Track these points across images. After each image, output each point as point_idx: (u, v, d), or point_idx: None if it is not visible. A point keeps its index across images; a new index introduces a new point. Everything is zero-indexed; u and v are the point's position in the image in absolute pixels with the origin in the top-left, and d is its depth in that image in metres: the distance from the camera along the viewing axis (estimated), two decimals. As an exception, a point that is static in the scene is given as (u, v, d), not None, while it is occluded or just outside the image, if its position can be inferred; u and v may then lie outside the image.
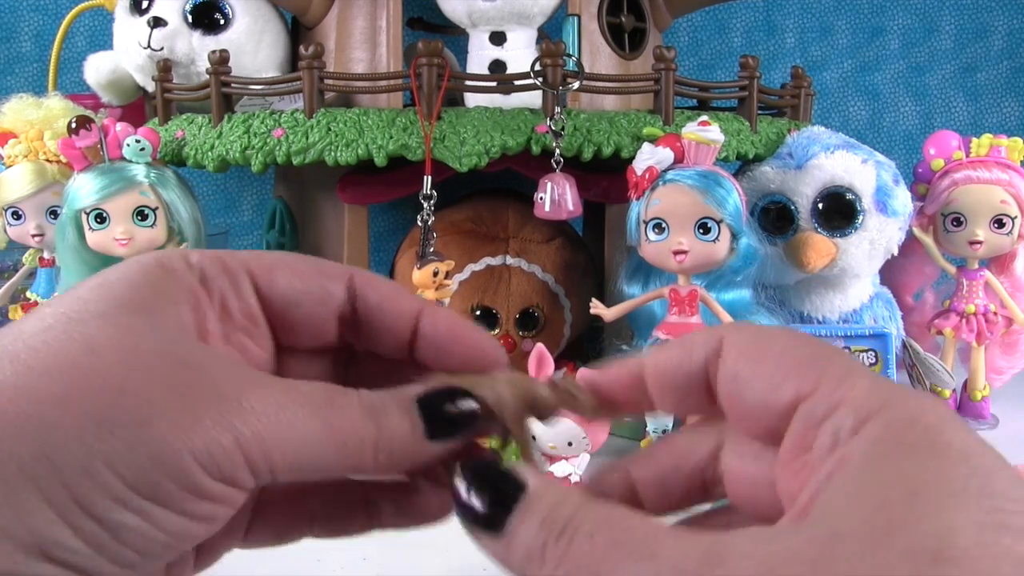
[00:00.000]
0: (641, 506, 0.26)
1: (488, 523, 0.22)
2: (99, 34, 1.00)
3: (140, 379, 0.20)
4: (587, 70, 0.67)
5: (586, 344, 0.77)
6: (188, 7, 0.76)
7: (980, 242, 0.74)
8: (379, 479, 0.27)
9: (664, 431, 0.58)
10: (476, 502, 0.22)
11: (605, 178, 0.70)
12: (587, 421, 0.27)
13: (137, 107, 0.86)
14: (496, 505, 0.21)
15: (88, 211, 0.65)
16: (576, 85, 0.65)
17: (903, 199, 0.72)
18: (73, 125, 0.64)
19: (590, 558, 0.19)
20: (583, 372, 0.26)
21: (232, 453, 0.20)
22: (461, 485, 0.22)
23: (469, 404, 0.24)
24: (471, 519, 0.22)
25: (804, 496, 0.20)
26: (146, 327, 0.22)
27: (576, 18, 0.73)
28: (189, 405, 0.20)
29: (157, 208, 0.66)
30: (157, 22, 0.75)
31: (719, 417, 0.24)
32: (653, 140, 0.63)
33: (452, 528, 0.58)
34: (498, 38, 0.73)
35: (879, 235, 0.71)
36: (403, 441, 0.23)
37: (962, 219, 0.75)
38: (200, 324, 0.24)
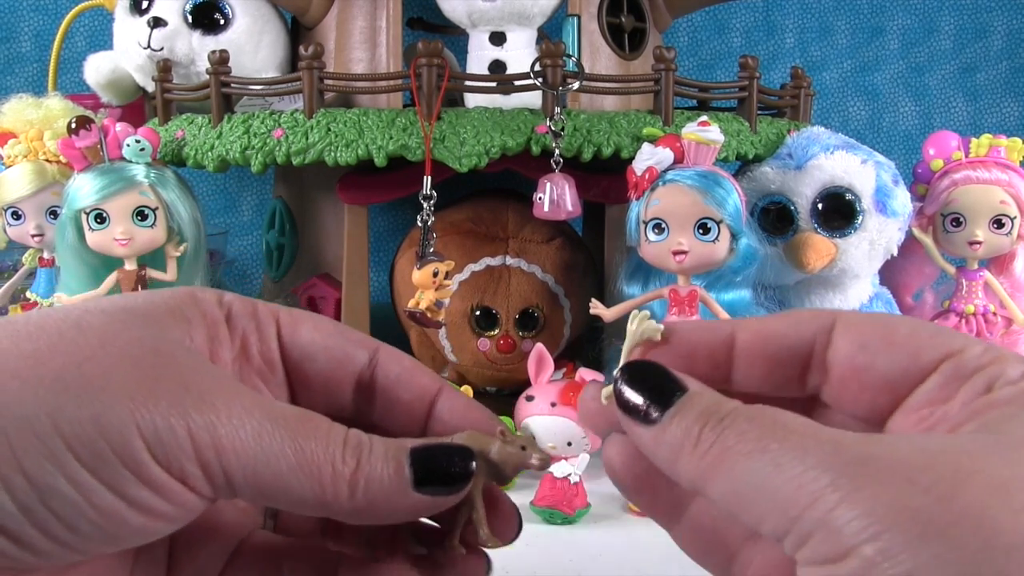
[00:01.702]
0: (729, 380, 0.25)
1: (645, 415, 0.22)
2: (99, 34, 1.00)
3: (111, 354, 0.20)
4: (587, 70, 0.67)
5: (586, 344, 0.77)
6: (188, 7, 0.76)
7: (979, 242, 0.74)
8: (351, 528, 0.26)
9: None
10: (635, 395, 0.22)
11: (605, 178, 0.70)
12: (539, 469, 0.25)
13: (137, 107, 0.86)
14: (656, 397, 0.22)
15: (88, 211, 0.65)
16: (576, 85, 0.65)
17: (903, 199, 0.73)
18: (73, 125, 0.64)
19: (744, 439, 0.20)
20: (664, 322, 0.25)
21: (181, 440, 0.20)
22: (623, 378, 0.23)
23: (467, 463, 0.23)
24: (628, 409, 0.22)
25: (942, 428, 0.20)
26: (143, 326, 0.22)
27: (576, 18, 0.73)
28: (150, 385, 0.20)
29: (157, 208, 0.66)
30: (157, 22, 0.75)
31: (803, 399, 0.24)
32: (653, 140, 0.63)
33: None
34: (498, 38, 0.73)
35: (879, 235, 0.71)
36: (385, 484, 0.22)
37: (961, 219, 0.75)
38: (212, 351, 0.24)
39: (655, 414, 0.22)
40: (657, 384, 0.22)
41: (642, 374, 0.23)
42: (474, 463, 0.24)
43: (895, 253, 0.74)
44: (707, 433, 0.20)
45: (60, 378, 0.20)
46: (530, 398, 0.61)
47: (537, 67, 0.65)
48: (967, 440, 0.19)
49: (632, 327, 0.25)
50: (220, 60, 0.69)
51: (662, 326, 0.25)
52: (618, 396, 0.23)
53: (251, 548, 0.26)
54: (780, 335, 0.24)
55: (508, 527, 0.26)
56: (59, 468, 0.19)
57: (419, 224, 0.63)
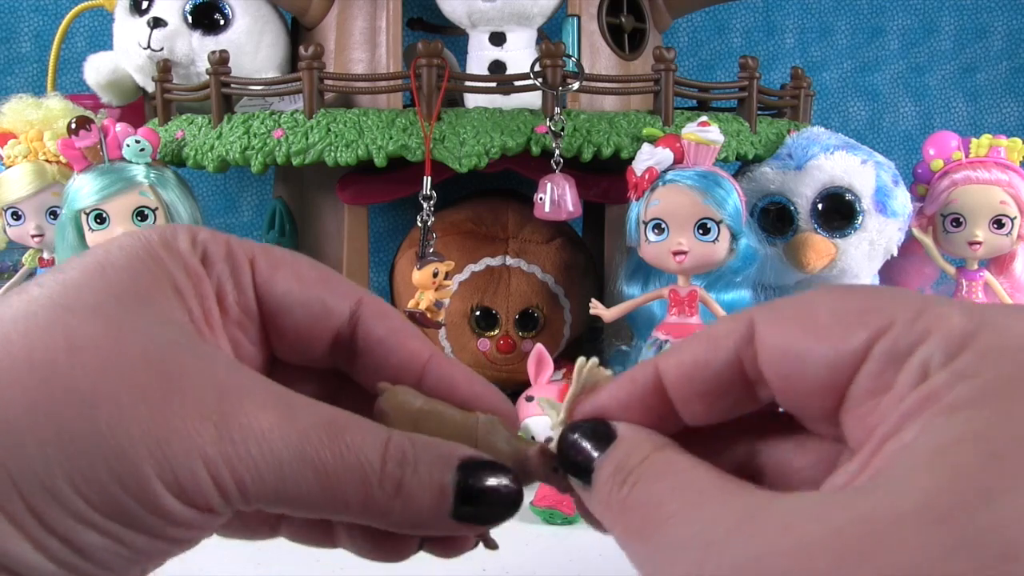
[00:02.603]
0: (678, 416, 0.23)
1: (582, 479, 0.22)
2: (99, 34, 1.00)
3: (114, 387, 0.19)
4: (587, 71, 0.67)
5: (586, 344, 0.77)
6: (188, 7, 0.76)
7: (979, 243, 0.74)
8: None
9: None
10: (574, 455, 0.22)
11: (605, 179, 0.70)
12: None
13: (137, 107, 0.86)
14: (584, 460, 0.21)
15: (88, 211, 0.65)
16: (576, 86, 0.65)
17: (903, 200, 0.73)
18: (73, 125, 0.64)
19: (641, 513, 0.19)
20: (585, 406, 0.23)
21: (199, 476, 0.19)
22: (563, 442, 0.22)
23: (509, 487, 0.22)
24: (574, 479, 0.22)
25: (873, 442, 0.18)
26: (136, 323, 0.20)
27: (576, 19, 0.73)
28: (161, 419, 0.19)
29: (157, 208, 0.66)
30: (157, 22, 0.75)
31: (765, 416, 0.22)
32: (653, 141, 0.63)
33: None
34: (498, 39, 0.73)
35: (879, 236, 0.71)
36: (421, 512, 0.21)
37: (961, 220, 0.75)
38: (197, 313, 0.22)
39: (587, 478, 0.21)
40: (592, 440, 0.22)
41: (578, 430, 0.22)
42: (513, 485, 0.22)
43: (895, 253, 0.74)
44: (615, 495, 0.20)
45: (67, 434, 0.18)
46: (530, 398, 0.61)
47: (537, 67, 0.65)
48: (849, 518, 0.16)
49: (581, 374, 0.24)
50: (220, 60, 0.69)
51: (610, 372, 0.24)
52: (562, 460, 0.22)
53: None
54: (701, 364, 0.21)
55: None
56: (87, 524, 0.19)
57: (419, 224, 0.63)
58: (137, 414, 0.19)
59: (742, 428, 0.23)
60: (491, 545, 0.25)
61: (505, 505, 0.22)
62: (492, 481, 0.22)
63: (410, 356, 0.24)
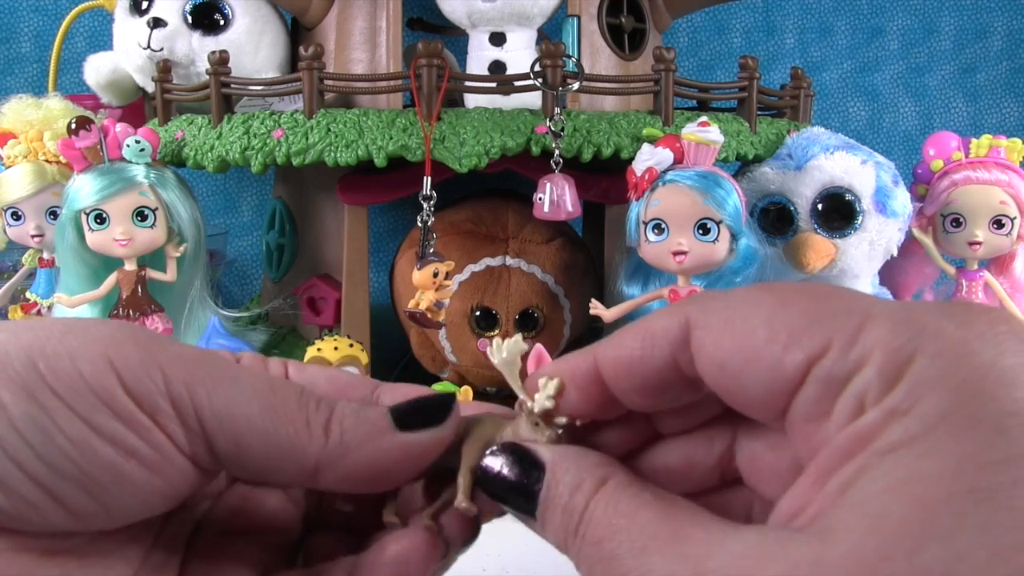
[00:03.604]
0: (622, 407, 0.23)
1: (524, 511, 0.22)
2: (99, 35, 1.00)
3: (97, 323, 0.22)
4: (587, 71, 0.67)
5: (585, 345, 0.77)
6: (188, 8, 0.76)
7: (979, 243, 0.74)
8: (340, 494, 0.26)
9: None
10: (506, 494, 0.22)
11: (605, 179, 0.70)
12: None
13: (137, 108, 0.86)
14: (523, 497, 0.22)
15: (88, 211, 0.65)
16: (576, 86, 0.65)
17: (902, 200, 0.73)
18: (73, 126, 0.64)
19: (597, 556, 0.20)
20: (539, 373, 0.24)
21: (152, 372, 0.21)
22: (492, 470, 0.22)
23: (447, 400, 0.24)
24: (504, 499, 0.22)
25: (813, 471, 0.18)
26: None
27: (576, 19, 0.73)
28: (127, 335, 0.21)
29: (157, 209, 0.66)
30: (157, 23, 0.75)
31: (712, 402, 0.22)
32: (653, 141, 0.63)
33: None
34: (498, 39, 0.73)
35: (878, 236, 0.71)
36: (362, 428, 0.22)
37: (961, 220, 0.75)
38: None
39: (530, 512, 0.22)
40: (519, 477, 0.22)
41: (503, 468, 0.22)
42: (455, 401, 0.24)
43: (895, 253, 0.74)
44: (571, 542, 0.21)
45: (45, 327, 0.21)
46: (530, 398, 0.61)
47: (537, 67, 0.65)
48: (789, 563, 0.17)
49: (500, 356, 0.25)
50: (220, 60, 0.69)
51: (524, 344, 0.25)
52: (488, 486, 0.23)
53: None
54: (636, 361, 0.21)
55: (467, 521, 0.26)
56: (28, 392, 0.20)
57: (419, 224, 0.63)
58: (106, 328, 0.22)
59: (720, 420, 0.23)
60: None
61: (440, 404, 0.23)
62: (423, 399, 0.24)
63: (360, 393, 0.27)
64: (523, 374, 0.25)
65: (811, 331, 0.19)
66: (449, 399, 0.24)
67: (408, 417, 0.23)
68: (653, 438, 0.25)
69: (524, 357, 0.25)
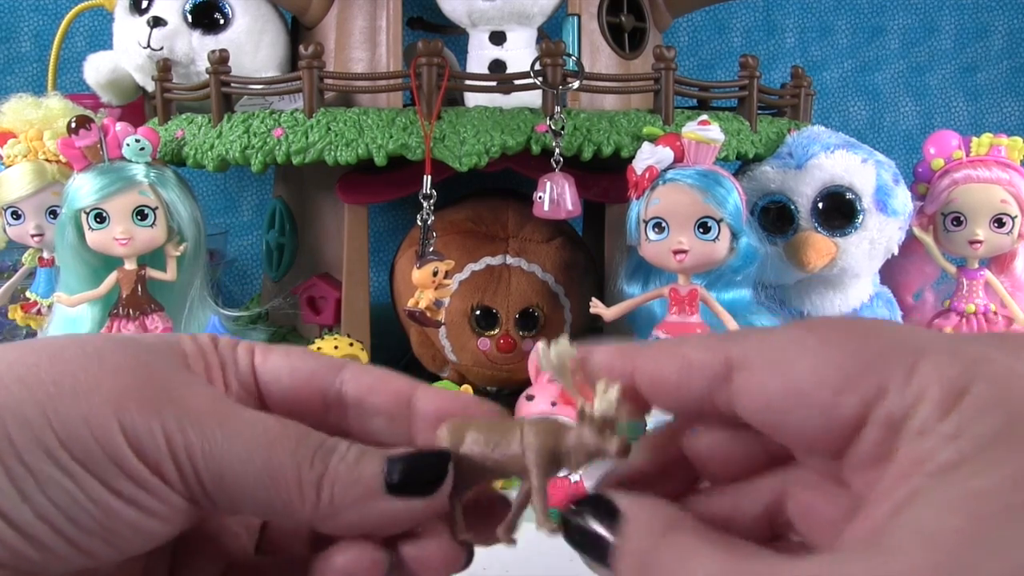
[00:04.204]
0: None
1: (599, 561, 0.22)
2: (99, 34, 1.00)
3: (106, 367, 0.23)
4: (587, 70, 0.67)
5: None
6: (188, 7, 0.76)
7: (980, 241, 0.74)
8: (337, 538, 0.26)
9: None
10: (582, 544, 0.23)
11: (605, 178, 0.70)
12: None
13: (137, 107, 0.86)
14: (596, 549, 0.22)
15: (88, 211, 0.65)
16: (576, 85, 0.65)
17: (903, 198, 0.72)
18: (73, 125, 0.64)
19: None
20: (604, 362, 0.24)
21: (157, 438, 0.22)
22: (574, 522, 0.23)
23: (442, 467, 0.24)
24: (584, 550, 0.23)
25: (871, 506, 0.18)
26: (140, 350, 0.24)
27: (576, 18, 0.73)
28: (134, 392, 0.22)
29: (157, 208, 0.66)
30: (157, 22, 0.75)
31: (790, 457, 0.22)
32: (653, 139, 0.63)
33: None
34: (498, 38, 0.73)
35: (879, 235, 0.71)
36: (353, 489, 0.23)
37: (962, 218, 0.75)
38: (205, 375, 0.26)
39: (606, 562, 0.22)
40: (592, 529, 0.22)
41: (585, 511, 0.23)
42: (450, 467, 0.23)
43: (896, 252, 0.74)
44: None
45: (57, 383, 0.22)
46: (530, 397, 0.61)
47: (537, 66, 0.65)
48: None
49: (549, 358, 0.24)
50: (220, 59, 0.69)
51: (572, 348, 0.24)
52: (569, 536, 0.23)
53: (239, 568, 0.27)
54: (672, 385, 0.22)
55: (494, 521, 0.26)
56: (53, 459, 0.21)
57: (419, 223, 0.63)
58: (115, 384, 0.23)
59: (769, 470, 0.23)
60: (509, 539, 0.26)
61: (435, 469, 0.24)
62: (418, 457, 0.24)
63: (396, 392, 0.26)
64: (574, 376, 0.24)
65: (864, 373, 0.19)
66: (444, 463, 0.24)
67: (402, 483, 0.23)
68: (697, 486, 0.25)
69: (574, 360, 0.24)
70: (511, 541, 0.26)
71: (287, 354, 0.27)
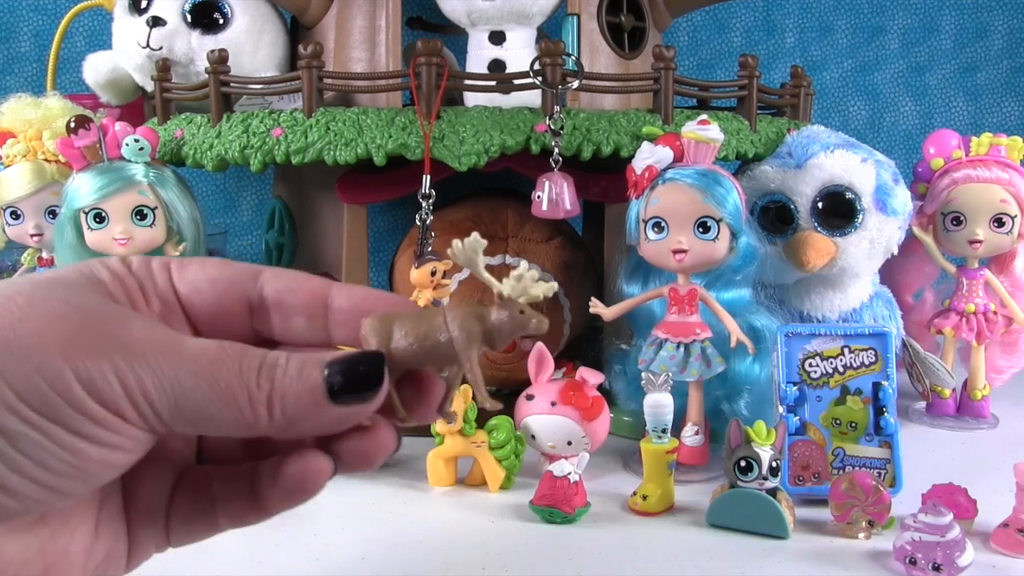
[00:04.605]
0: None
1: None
2: (98, 34, 1.00)
3: (41, 316, 0.24)
4: (586, 69, 0.67)
5: (586, 343, 0.77)
6: (187, 7, 0.76)
7: (980, 241, 0.74)
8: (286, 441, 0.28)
9: (664, 430, 0.58)
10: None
11: (604, 177, 0.70)
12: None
13: (136, 107, 0.86)
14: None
15: (87, 211, 0.65)
16: (575, 84, 0.65)
17: (903, 198, 0.72)
18: (72, 125, 0.64)
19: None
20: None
21: (111, 382, 0.23)
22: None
23: (378, 370, 0.25)
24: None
25: None
26: (64, 289, 0.25)
27: (575, 17, 0.73)
28: (78, 339, 0.23)
29: (156, 208, 0.66)
30: (156, 21, 0.75)
31: None
32: (652, 139, 0.63)
33: (451, 528, 0.58)
34: (497, 37, 0.73)
35: (879, 234, 0.71)
36: (302, 401, 0.24)
37: (962, 218, 0.75)
38: (122, 300, 0.27)
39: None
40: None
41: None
42: (386, 368, 0.25)
43: (895, 252, 0.74)
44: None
45: (1, 341, 0.23)
46: (530, 397, 0.61)
47: (536, 66, 0.65)
48: None
49: (460, 250, 0.27)
50: (219, 59, 0.69)
51: (483, 240, 0.28)
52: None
53: (189, 476, 0.29)
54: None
55: (432, 400, 0.28)
56: (19, 416, 0.22)
57: (418, 223, 0.63)
58: (57, 333, 0.23)
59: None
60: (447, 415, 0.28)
61: (371, 374, 0.25)
62: (356, 361, 0.25)
63: (312, 293, 0.28)
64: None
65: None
66: (379, 366, 0.25)
67: (344, 391, 0.25)
68: None
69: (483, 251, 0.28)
70: (450, 417, 0.29)
71: (203, 266, 0.28)
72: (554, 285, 0.28)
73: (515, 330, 0.26)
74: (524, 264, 0.26)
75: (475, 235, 0.27)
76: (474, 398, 0.27)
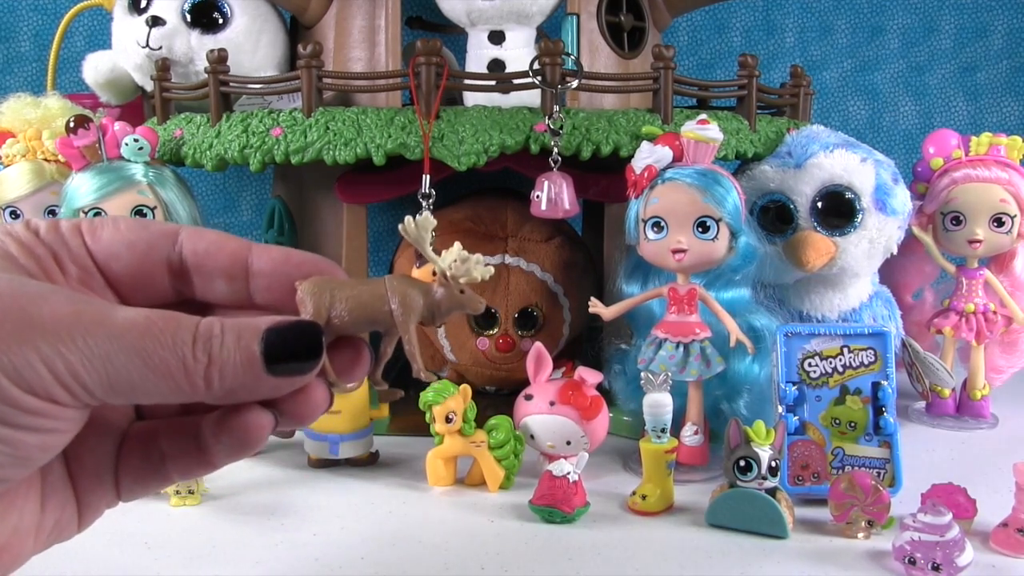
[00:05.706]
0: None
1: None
2: (98, 33, 1.00)
3: None
4: (586, 69, 0.67)
5: (585, 343, 0.77)
6: (186, 6, 0.76)
7: (979, 241, 0.74)
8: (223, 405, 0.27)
9: (663, 430, 0.58)
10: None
11: (604, 177, 0.70)
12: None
13: (135, 106, 0.86)
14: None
15: (86, 210, 0.65)
16: (575, 84, 0.65)
17: (902, 198, 0.72)
18: (71, 124, 0.64)
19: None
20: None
21: (39, 372, 0.22)
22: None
23: (316, 341, 0.25)
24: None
25: None
26: None
27: (575, 17, 0.72)
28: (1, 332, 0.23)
29: (155, 207, 0.66)
30: (155, 21, 0.75)
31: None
32: (652, 139, 0.63)
33: (450, 527, 0.58)
34: (497, 37, 0.73)
35: (878, 234, 0.71)
36: (240, 372, 0.24)
37: (961, 218, 0.75)
38: (35, 272, 0.26)
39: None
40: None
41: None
42: (323, 339, 0.25)
43: (895, 252, 0.74)
44: None
45: None
46: (529, 397, 0.61)
47: (536, 66, 0.65)
48: None
49: (411, 228, 0.29)
50: (219, 59, 0.69)
51: (434, 219, 0.30)
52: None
53: (133, 434, 0.29)
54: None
55: (362, 366, 0.28)
56: None
57: (418, 223, 0.63)
58: None
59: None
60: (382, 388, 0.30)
61: (308, 348, 0.25)
62: (291, 331, 0.25)
63: (232, 254, 0.28)
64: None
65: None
66: (316, 339, 0.25)
67: (281, 361, 0.25)
68: None
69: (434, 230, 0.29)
70: (380, 383, 0.30)
71: (116, 227, 0.27)
72: (491, 269, 0.29)
73: (453, 308, 0.28)
74: (461, 252, 0.28)
75: (427, 215, 0.29)
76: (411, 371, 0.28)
